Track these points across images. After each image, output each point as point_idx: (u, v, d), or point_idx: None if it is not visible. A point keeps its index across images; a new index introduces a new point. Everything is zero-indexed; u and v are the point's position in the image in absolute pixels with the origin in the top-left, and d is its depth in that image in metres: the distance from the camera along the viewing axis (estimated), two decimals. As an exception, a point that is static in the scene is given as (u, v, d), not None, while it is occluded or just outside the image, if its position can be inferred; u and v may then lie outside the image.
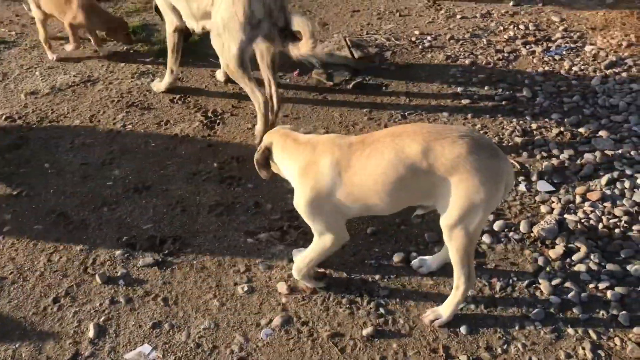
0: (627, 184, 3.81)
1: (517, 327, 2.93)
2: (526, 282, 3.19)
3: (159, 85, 4.81)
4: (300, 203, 2.90)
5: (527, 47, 5.41)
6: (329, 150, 2.81)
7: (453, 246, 2.76)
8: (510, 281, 3.20)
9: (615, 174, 3.88)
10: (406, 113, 4.57)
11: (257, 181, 3.79)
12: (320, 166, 2.80)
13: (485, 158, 2.57)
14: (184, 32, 4.53)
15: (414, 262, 3.27)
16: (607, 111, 4.52)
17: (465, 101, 4.70)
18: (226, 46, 3.84)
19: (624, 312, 2.99)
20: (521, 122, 4.44)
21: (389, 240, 3.45)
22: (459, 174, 2.57)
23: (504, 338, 2.88)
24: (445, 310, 2.95)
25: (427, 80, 4.99)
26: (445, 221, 2.71)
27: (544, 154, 4.11)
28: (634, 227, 3.50)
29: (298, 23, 3.65)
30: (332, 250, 3.02)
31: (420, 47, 5.47)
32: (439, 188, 2.64)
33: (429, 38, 5.59)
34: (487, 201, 2.61)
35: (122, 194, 3.82)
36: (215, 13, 3.83)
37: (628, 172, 3.91)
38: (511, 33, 5.64)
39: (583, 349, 2.82)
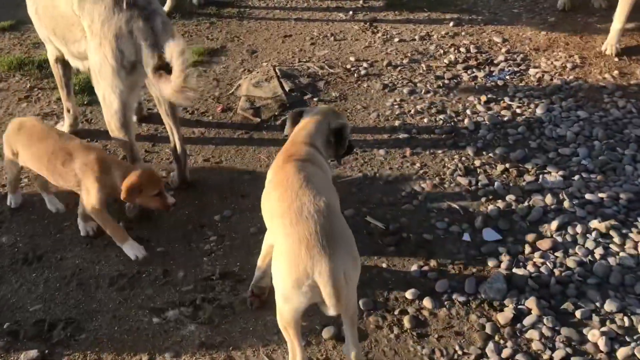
0: (578, 228, 3.48)
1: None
2: (473, 356, 2.79)
3: (61, 129, 4.26)
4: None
5: (469, 71, 5.07)
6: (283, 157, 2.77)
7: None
8: (456, 356, 2.80)
9: (566, 217, 3.54)
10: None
11: (170, 243, 3.32)
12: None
13: (294, 238, 2.28)
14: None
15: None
16: (554, 143, 4.20)
17: (403, 135, 4.32)
18: (107, 100, 3.29)
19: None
20: (463, 158, 4.08)
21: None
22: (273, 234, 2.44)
23: None
24: None
25: (363, 113, 4.59)
26: None
27: (490, 197, 3.74)
28: (589, 281, 3.15)
29: (168, 51, 2.92)
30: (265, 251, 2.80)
31: (355, 75, 5.08)
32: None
33: (365, 65, 5.20)
34: (282, 282, 2.31)
35: (9, 266, 3.28)
36: (89, 55, 3.27)
37: (579, 213, 3.58)
38: (452, 57, 5.30)
39: None
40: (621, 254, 3.30)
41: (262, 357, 2.79)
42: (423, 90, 4.84)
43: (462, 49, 5.42)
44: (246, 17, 6.18)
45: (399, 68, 5.16)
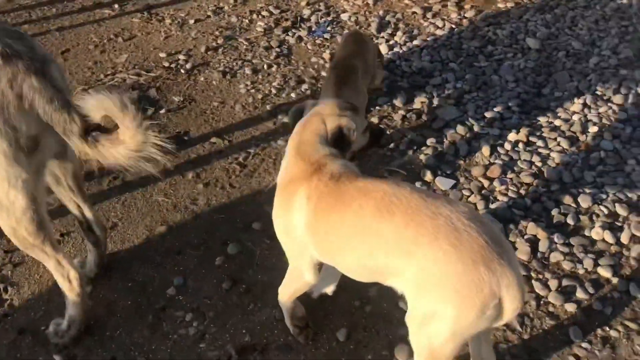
0: (506, 145, 3.65)
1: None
2: (534, 303, 2.79)
3: None
4: (273, 217, 2.45)
5: (290, 34, 4.81)
6: (310, 177, 2.24)
7: (414, 351, 2.15)
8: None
9: (486, 139, 3.69)
10: (232, 157, 3.65)
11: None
12: (293, 192, 2.27)
13: (458, 258, 1.87)
14: None
15: None
16: (420, 77, 4.27)
17: (276, 120, 3.95)
18: (6, 200, 2.30)
19: None
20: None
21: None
22: (418, 267, 1.94)
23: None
24: None
25: (226, 109, 4.06)
26: (406, 317, 2.12)
27: (414, 147, 3.68)
28: (552, 188, 3.36)
29: (99, 105, 2.17)
30: (299, 286, 2.52)
31: (182, 71, 4.43)
32: (401, 273, 2.03)
33: (182, 57, 4.56)
34: (455, 318, 1.92)
35: None
36: None
37: (493, 132, 3.75)
38: (261, 24, 4.95)
39: None
40: (551, 154, 3.56)
41: None
42: (265, 66, 4.45)
43: (264, 13, 5.10)
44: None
45: (221, 50, 4.66)
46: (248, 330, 2.75)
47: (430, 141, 3.71)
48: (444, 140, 3.72)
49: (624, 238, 3.05)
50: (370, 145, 2.65)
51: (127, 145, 2.17)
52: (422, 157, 3.61)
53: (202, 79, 4.36)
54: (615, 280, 2.86)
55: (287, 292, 2.60)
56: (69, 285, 2.53)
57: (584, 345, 2.63)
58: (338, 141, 2.45)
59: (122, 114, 2.12)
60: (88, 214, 2.80)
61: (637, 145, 3.59)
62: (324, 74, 4.35)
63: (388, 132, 3.73)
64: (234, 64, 4.49)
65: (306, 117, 2.47)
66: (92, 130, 2.21)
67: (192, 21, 5.03)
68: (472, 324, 1.91)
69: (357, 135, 2.47)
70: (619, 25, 4.60)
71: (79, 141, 2.21)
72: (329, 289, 2.75)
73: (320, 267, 2.44)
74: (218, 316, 2.81)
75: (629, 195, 3.27)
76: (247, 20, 5.02)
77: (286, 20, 4.99)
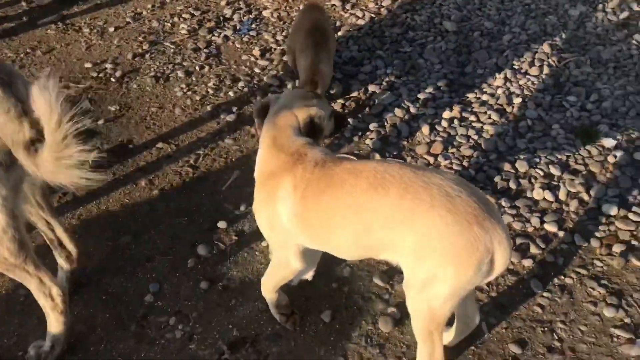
0: (443, 123, 3.89)
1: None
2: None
3: None
4: (255, 211, 2.53)
5: (216, 34, 4.83)
6: (293, 168, 2.33)
7: (413, 317, 2.31)
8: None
9: (424, 120, 3.92)
10: (182, 160, 3.67)
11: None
12: (277, 184, 2.36)
13: (454, 221, 2.03)
14: None
15: None
16: (352, 66, 4.44)
17: (229, 117, 3.99)
18: None
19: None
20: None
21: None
22: (417, 235, 2.10)
23: None
24: None
25: (166, 113, 4.05)
26: (404, 285, 2.27)
27: (359, 133, 3.85)
28: (491, 157, 3.63)
29: (36, 105, 2.09)
30: (285, 275, 2.60)
31: (113, 80, 4.35)
32: (398, 245, 2.16)
33: (110, 65, 4.47)
34: (454, 278, 2.08)
35: None
36: None
37: (429, 112, 3.98)
38: (184, 26, 4.93)
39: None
40: (484, 126, 3.84)
41: None
42: (197, 67, 4.46)
43: (185, 15, 5.08)
44: None
45: (148, 55, 4.61)
46: (235, 325, 2.80)
47: (372, 126, 3.88)
48: (385, 124, 3.90)
49: (562, 195, 3.36)
50: (337, 130, 2.77)
51: (48, 147, 2.10)
52: (367, 141, 3.78)
53: (134, 86, 4.30)
54: (561, 233, 3.16)
55: (272, 283, 2.68)
56: (52, 303, 2.48)
57: (545, 294, 2.90)
58: (310, 130, 2.55)
59: (49, 119, 2.04)
60: (58, 230, 2.74)
61: (558, 111, 3.93)
62: (257, 70, 4.42)
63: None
64: (165, 68, 4.46)
65: (274, 111, 2.55)
66: (38, 142, 2.14)
67: (111, 29, 4.91)
68: (470, 281, 2.08)
69: (326, 122, 2.59)
70: (523, 3, 4.98)
71: (24, 154, 2.15)
72: (309, 275, 2.85)
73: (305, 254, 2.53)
74: (202, 316, 2.84)
75: (559, 156, 3.59)
76: (169, 24, 4.98)
77: (209, 20, 5.00)
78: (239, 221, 3.30)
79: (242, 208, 3.35)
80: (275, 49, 4.60)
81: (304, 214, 2.31)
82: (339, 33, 4.74)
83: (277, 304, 2.75)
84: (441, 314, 2.18)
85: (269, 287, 2.70)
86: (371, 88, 4.21)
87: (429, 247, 2.07)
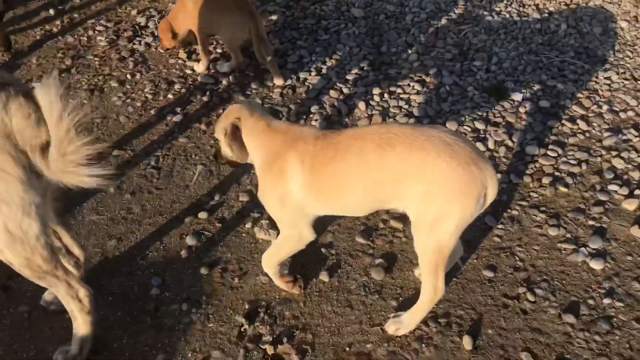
0: (376, 98, 4.30)
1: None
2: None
3: None
4: (264, 198, 2.77)
5: (136, 43, 4.92)
6: (294, 146, 2.61)
7: (421, 255, 2.65)
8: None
9: (356, 98, 4.31)
10: (143, 164, 3.80)
11: None
12: (284, 162, 2.61)
13: (460, 165, 2.39)
14: None
15: (415, 271, 3.15)
16: (278, 58, 4.73)
17: (176, 117, 4.15)
18: (19, 231, 2.28)
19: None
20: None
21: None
22: (427, 182, 2.45)
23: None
24: (407, 318, 2.84)
25: (104, 123, 4.11)
26: (413, 228, 2.63)
27: (304, 117, 4.17)
28: (425, 122, 4.10)
29: (40, 102, 2.16)
30: (296, 248, 2.86)
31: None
32: (407, 194, 2.52)
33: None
34: (460, 213, 2.45)
35: None
36: None
37: (360, 90, 4.38)
38: (101, 38, 4.97)
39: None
40: (411, 96, 4.31)
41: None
42: (128, 76, 4.55)
43: (99, 27, 5.11)
44: None
45: (75, 70, 4.62)
46: (244, 300, 3.03)
47: (314, 109, 4.22)
48: (325, 105, 4.25)
49: (491, 144, 3.90)
50: None
51: (54, 147, 2.18)
52: (314, 123, 4.10)
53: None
54: (499, 175, 3.68)
55: (278, 257, 2.92)
56: (80, 305, 2.57)
57: (500, 226, 3.40)
58: None
59: (51, 107, 2.11)
60: (65, 237, 2.81)
61: (469, 75, 4.49)
62: (188, 71, 4.58)
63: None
64: (96, 80, 4.50)
65: (245, 110, 2.76)
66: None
67: (26, 49, 4.84)
68: (472, 214, 2.49)
69: None
70: (415, -14, 5.53)
71: (39, 157, 2.24)
72: None
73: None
74: (211, 297, 3.04)
75: (480, 113, 4.13)
76: (84, 38, 4.98)
77: (125, 30, 5.06)
78: (218, 209, 3.50)
79: (217, 197, 3.56)
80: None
81: (315, 183, 2.59)
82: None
83: (280, 275, 3.01)
84: (448, 247, 2.57)
85: (274, 261, 2.94)
86: (302, 75, 4.53)
87: (437, 190, 2.44)
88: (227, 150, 2.85)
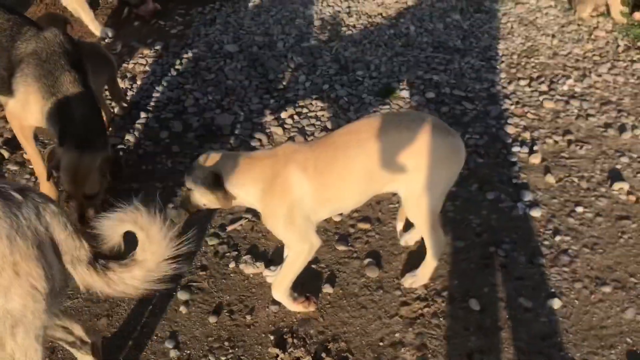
0: (289, 121, 4.54)
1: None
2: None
3: None
4: (272, 221, 2.87)
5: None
6: (292, 159, 2.77)
7: (417, 221, 3.03)
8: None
9: (272, 123, 4.51)
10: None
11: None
12: (286, 177, 2.75)
13: (441, 137, 2.77)
14: None
15: (401, 241, 3.46)
16: (173, 105, 4.75)
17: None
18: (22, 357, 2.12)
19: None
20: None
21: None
22: (417, 155, 2.77)
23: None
24: (421, 272, 3.22)
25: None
26: (406, 201, 2.99)
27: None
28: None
29: (119, 221, 2.20)
30: (309, 258, 2.97)
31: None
32: (401, 170, 2.84)
33: None
34: (447, 177, 2.88)
35: None
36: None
37: (268, 118, 4.58)
38: None
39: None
40: (317, 113, 4.63)
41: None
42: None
43: None
44: None
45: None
46: (267, 333, 3.07)
47: (234, 143, 4.32)
48: (237, 139, 4.37)
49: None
50: None
51: (145, 265, 2.22)
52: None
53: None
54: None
55: (290, 279, 3.00)
56: None
57: (448, 203, 3.82)
58: None
59: (149, 224, 2.16)
60: (76, 329, 2.61)
61: (359, 84, 4.91)
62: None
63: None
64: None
65: (220, 154, 2.89)
66: (101, 257, 2.21)
67: None
68: (454, 177, 2.92)
69: None
70: (269, 14, 5.85)
71: (86, 269, 2.17)
72: None
73: None
74: (233, 341, 3.03)
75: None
76: None
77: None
78: (194, 258, 3.47)
79: (185, 247, 3.50)
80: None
81: (323, 185, 2.79)
82: (139, 82, 4.95)
83: (292, 299, 3.10)
84: (438, 208, 2.95)
85: (286, 286, 3.02)
86: (207, 115, 4.59)
87: (425, 163, 2.77)
88: (200, 199, 2.88)
